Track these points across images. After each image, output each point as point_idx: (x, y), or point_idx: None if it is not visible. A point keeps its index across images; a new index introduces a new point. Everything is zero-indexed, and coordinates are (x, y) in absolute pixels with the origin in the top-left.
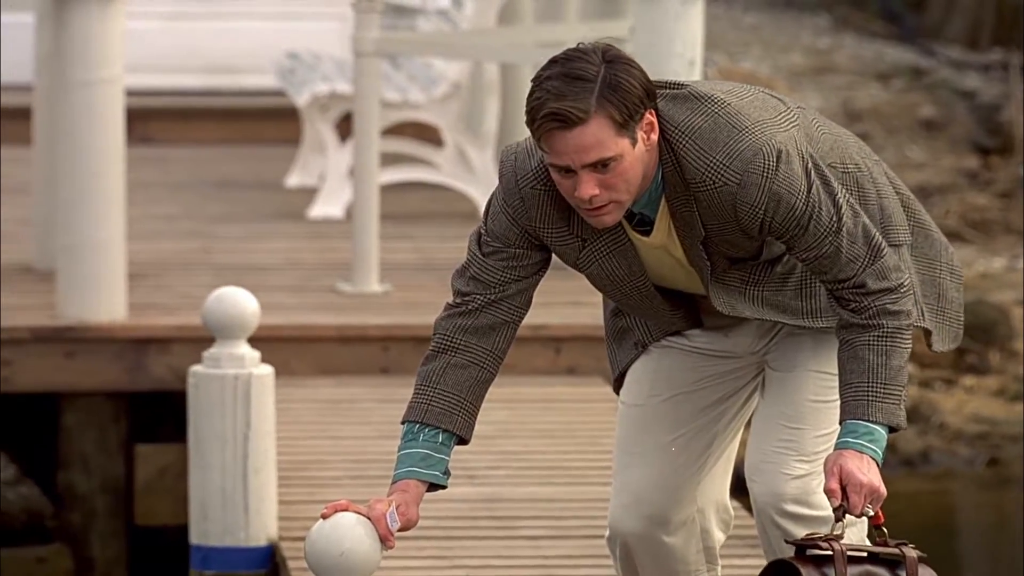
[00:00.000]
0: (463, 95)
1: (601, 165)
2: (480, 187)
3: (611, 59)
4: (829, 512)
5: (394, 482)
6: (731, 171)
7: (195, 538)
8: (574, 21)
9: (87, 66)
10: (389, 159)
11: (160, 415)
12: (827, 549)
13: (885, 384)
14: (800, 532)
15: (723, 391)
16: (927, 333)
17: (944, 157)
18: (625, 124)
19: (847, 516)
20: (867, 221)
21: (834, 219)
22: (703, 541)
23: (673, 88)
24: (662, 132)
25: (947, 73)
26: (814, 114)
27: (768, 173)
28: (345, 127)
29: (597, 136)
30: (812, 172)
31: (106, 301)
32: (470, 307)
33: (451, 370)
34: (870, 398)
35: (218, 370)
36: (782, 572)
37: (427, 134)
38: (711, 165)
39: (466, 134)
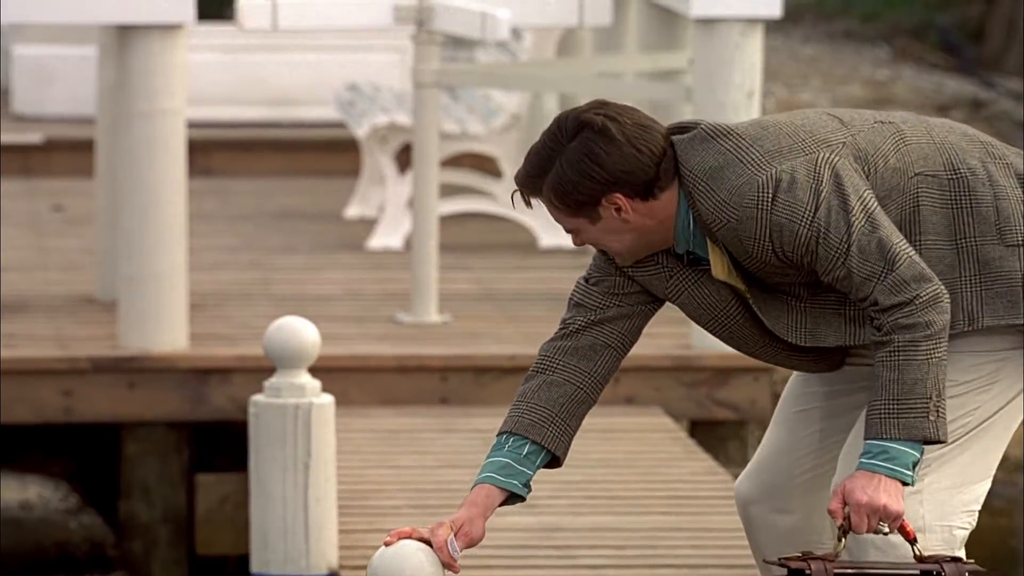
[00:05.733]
0: (522, 126)
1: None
2: (538, 218)
3: (579, 141)
4: (902, 541)
5: (473, 488)
6: (731, 207)
7: (256, 567)
8: (633, 52)
9: (149, 98)
10: (448, 190)
11: (221, 445)
12: (807, 569)
13: (899, 400)
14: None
15: None
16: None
17: None
18: (574, 213)
19: (884, 534)
20: (886, 234)
21: (844, 239)
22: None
23: (688, 130)
24: (680, 176)
25: (1007, 104)
26: (910, 125)
27: (763, 205)
28: (404, 158)
29: (550, 211)
30: (824, 192)
31: (168, 331)
32: (570, 329)
33: (545, 387)
34: (883, 415)
35: (279, 399)
36: None
37: (486, 165)
38: (716, 204)
39: None
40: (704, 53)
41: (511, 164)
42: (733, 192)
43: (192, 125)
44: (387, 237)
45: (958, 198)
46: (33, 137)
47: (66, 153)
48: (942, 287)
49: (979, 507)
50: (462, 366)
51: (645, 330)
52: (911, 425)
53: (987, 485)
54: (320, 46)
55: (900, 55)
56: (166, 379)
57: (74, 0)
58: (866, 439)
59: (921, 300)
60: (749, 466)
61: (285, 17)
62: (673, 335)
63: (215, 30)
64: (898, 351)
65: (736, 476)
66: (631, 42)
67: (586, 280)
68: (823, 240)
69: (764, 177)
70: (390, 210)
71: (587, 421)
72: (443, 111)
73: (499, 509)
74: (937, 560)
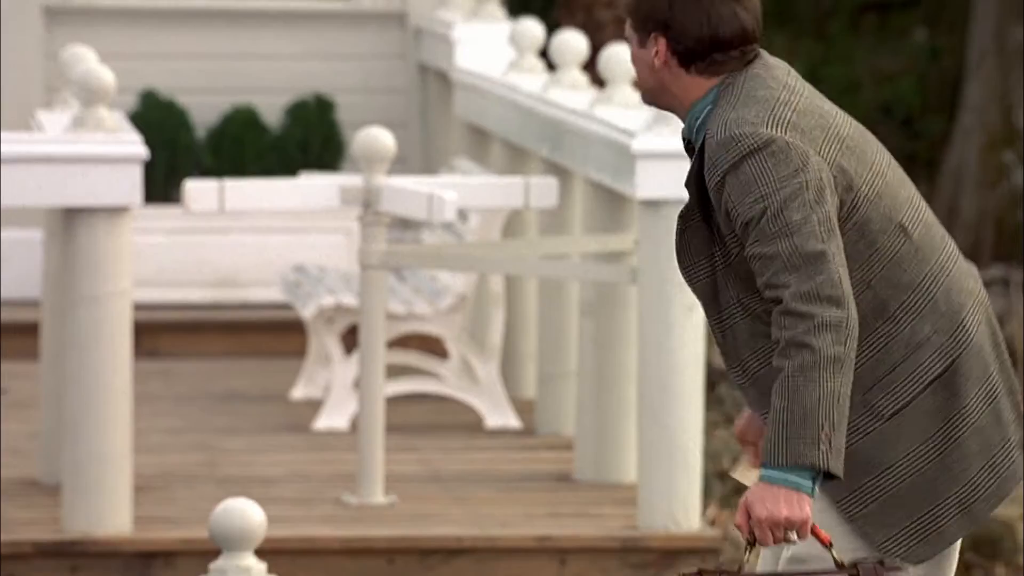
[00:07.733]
0: (468, 307)
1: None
2: (485, 399)
3: None
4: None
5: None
6: (718, 125)
7: None
8: (578, 234)
9: (95, 281)
10: (394, 371)
11: None
12: None
13: (787, 425)
14: None
15: None
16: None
17: None
18: (633, 27)
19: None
20: (832, 250)
21: (795, 225)
22: None
23: (763, 65)
24: (725, 80)
25: None
26: (924, 251)
27: (739, 148)
28: (350, 339)
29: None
30: (802, 179)
31: (112, 514)
32: None
33: None
34: (773, 445)
35: None
36: None
37: (432, 346)
38: (716, 118)
39: (471, 346)
40: (650, 234)
41: (457, 344)
42: (734, 120)
43: (138, 307)
44: (333, 418)
45: (876, 341)
46: None
47: (11, 336)
48: (853, 318)
49: None
50: (409, 548)
51: (593, 511)
52: (799, 453)
53: None
54: (266, 228)
55: None
56: (110, 563)
57: (19, 184)
58: (761, 465)
59: (821, 321)
60: None
61: (231, 199)
62: (619, 516)
63: (161, 212)
64: (788, 378)
65: None
66: (576, 224)
67: None
68: (773, 212)
69: (765, 131)
70: (336, 391)
71: None
72: (390, 292)
73: None
74: (855, 564)
